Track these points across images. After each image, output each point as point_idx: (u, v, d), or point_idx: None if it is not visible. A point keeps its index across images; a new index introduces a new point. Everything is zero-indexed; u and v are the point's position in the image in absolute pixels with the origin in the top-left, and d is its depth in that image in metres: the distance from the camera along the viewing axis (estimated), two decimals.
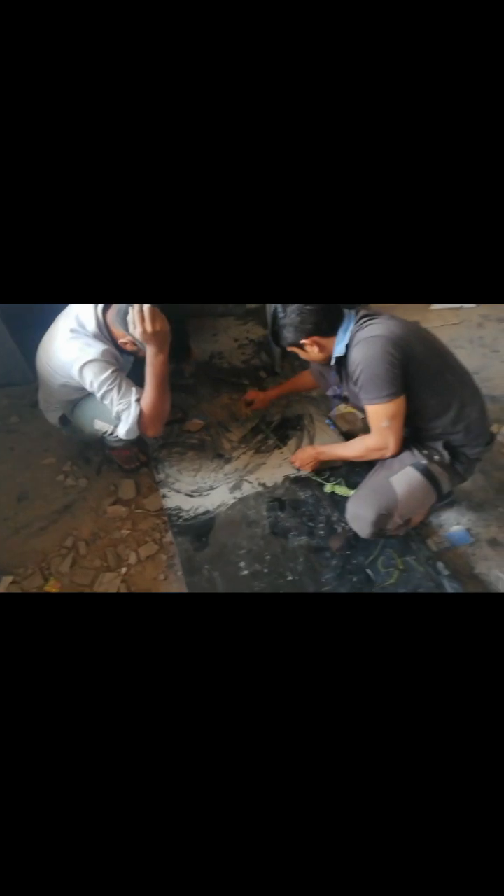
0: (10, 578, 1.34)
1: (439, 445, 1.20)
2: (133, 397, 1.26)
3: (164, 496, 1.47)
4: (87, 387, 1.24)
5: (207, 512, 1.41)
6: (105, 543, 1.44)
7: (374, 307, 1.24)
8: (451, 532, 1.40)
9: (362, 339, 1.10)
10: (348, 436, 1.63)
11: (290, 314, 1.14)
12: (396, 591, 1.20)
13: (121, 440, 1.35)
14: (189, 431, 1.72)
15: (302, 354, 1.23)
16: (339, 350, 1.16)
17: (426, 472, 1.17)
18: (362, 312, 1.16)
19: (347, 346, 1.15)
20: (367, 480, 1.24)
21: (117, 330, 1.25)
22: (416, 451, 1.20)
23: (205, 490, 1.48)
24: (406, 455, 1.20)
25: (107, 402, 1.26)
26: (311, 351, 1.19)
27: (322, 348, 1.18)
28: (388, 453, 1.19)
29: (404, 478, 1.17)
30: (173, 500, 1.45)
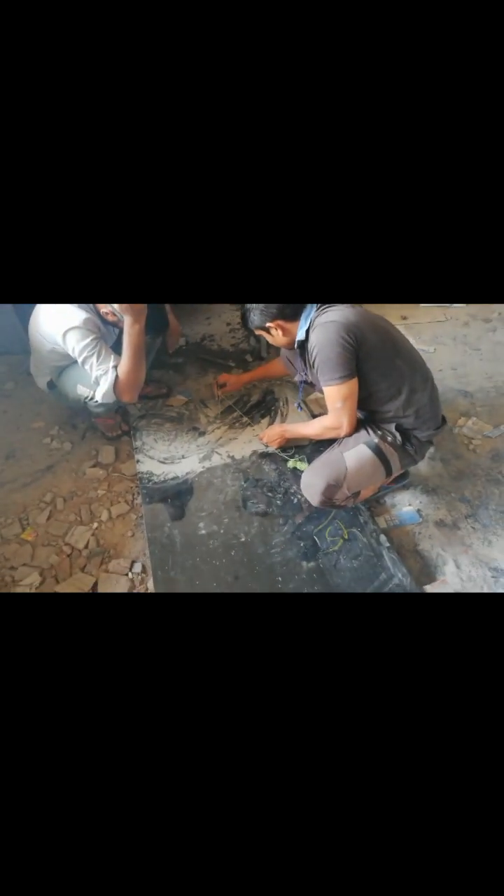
0: None
1: (392, 427, 1.28)
2: (111, 364, 1.36)
3: (137, 461, 1.58)
4: (70, 352, 1.35)
5: (176, 478, 1.51)
6: (81, 501, 1.55)
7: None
8: (401, 511, 1.47)
9: (319, 324, 1.18)
10: None
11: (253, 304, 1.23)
12: (341, 560, 1.29)
13: (101, 406, 1.46)
14: (171, 406, 1.82)
15: (268, 338, 1.31)
16: (300, 334, 1.24)
17: (377, 450, 1.25)
18: (321, 305, 1.23)
19: (307, 331, 1.22)
20: (323, 455, 1.32)
21: (104, 306, 1.34)
22: (370, 431, 1.28)
23: (177, 458, 1.58)
24: (361, 433, 1.28)
25: (87, 367, 1.36)
26: (276, 334, 1.27)
27: (286, 332, 1.26)
28: (343, 432, 1.27)
29: (356, 453, 1.25)
30: (146, 465, 1.56)
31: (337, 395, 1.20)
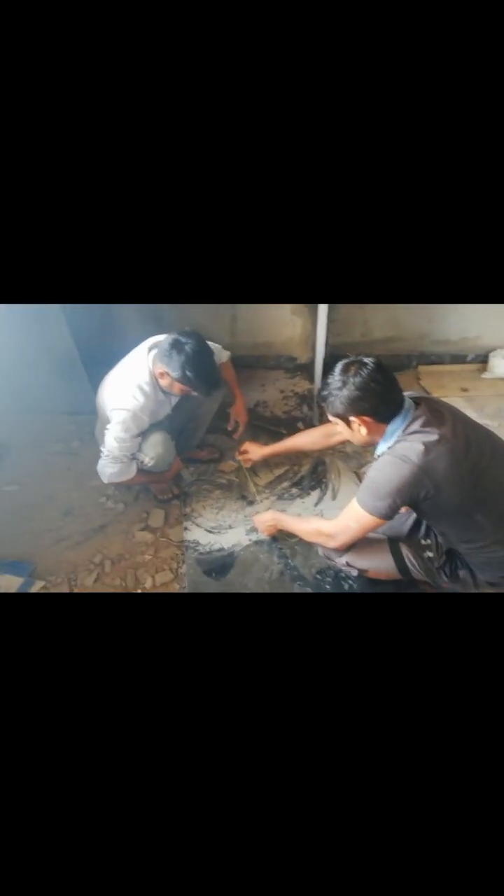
0: (41, 583, 1.50)
1: (441, 547, 1.15)
2: (129, 454, 1.46)
3: (185, 528, 1.58)
4: (107, 424, 1.44)
5: (222, 549, 1.48)
6: (128, 565, 1.56)
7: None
8: None
9: (399, 452, 0.99)
10: None
11: (349, 384, 1.00)
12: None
13: (150, 467, 1.52)
14: (222, 471, 1.84)
15: (343, 429, 1.10)
16: (381, 448, 1.07)
17: (397, 555, 1.14)
18: (419, 416, 1.02)
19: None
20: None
21: (159, 367, 1.38)
22: (412, 531, 1.17)
23: (224, 528, 1.56)
24: (399, 522, 1.17)
25: (107, 444, 1.44)
26: (356, 430, 1.06)
27: (371, 431, 1.05)
28: (331, 544, 1.16)
29: (374, 545, 1.16)
30: (193, 533, 1.55)
31: (357, 518, 1.06)
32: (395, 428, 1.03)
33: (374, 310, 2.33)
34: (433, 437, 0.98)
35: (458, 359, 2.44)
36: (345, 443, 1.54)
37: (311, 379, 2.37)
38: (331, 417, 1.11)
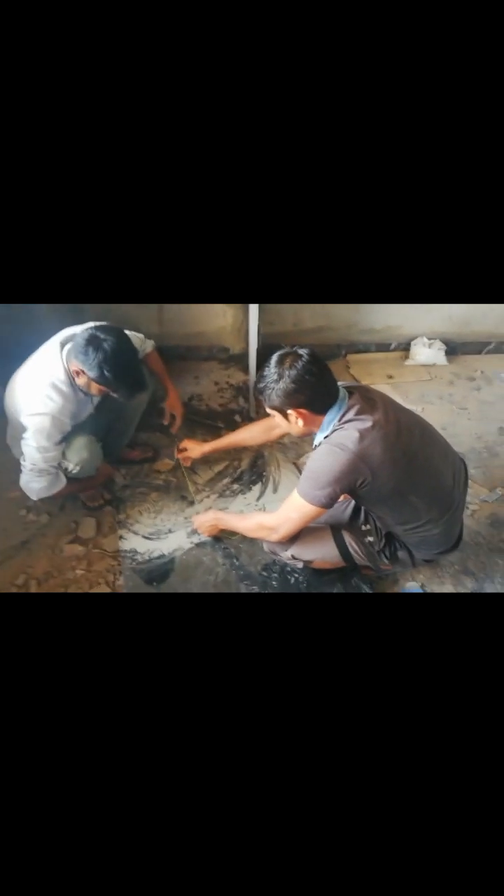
0: None
1: (380, 531, 1.18)
2: (55, 465, 1.33)
3: (120, 537, 1.46)
4: (25, 434, 1.28)
5: (163, 555, 1.40)
6: (57, 583, 1.41)
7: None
8: (405, 588, 1.38)
9: (333, 442, 1.00)
10: None
11: (285, 377, 0.98)
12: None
13: (76, 475, 1.38)
14: (158, 471, 1.73)
15: (281, 421, 1.08)
16: (318, 438, 1.07)
17: (337, 535, 1.17)
18: (353, 404, 1.02)
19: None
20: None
21: (74, 364, 1.22)
22: (353, 518, 1.20)
23: (163, 533, 1.48)
24: (339, 510, 1.19)
25: (28, 455, 1.29)
26: (293, 422, 1.05)
27: (308, 423, 1.04)
28: (274, 537, 1.16)
29: (318, 535, 1.17)
30: (130, 542, 1.45)
31: (298, 509, 1.05)
32: (331, 418, 1.03)
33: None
34: (367, 423, 0.99)
35: (383, 347, 2.55)
36: (285, 436, 1.53)
37: (246, 370, 2.33)
38: (268, 410, 1.08)
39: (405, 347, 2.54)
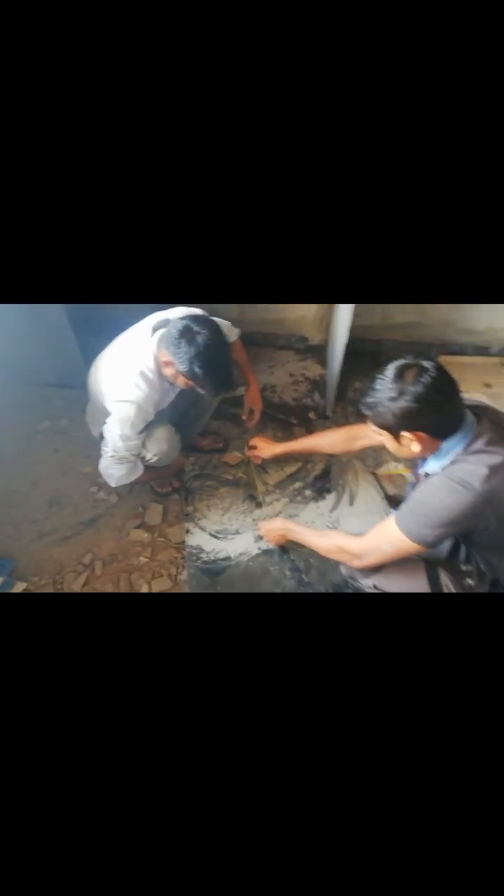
0: (23, 585, 1.35)
1: (485, 576, 1.03)
2: (136, 454, 1.29)
3: (187, 531, 1.43)
4: (109, 420, 1.25)
5: (228, 558, 1.35)
6: (121, 567, 1.41)
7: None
8: None
9: (454, 476, 0.86)
10: (393, 500, 1.51)
11: (406, 395, 0.83)
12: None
13: (153, 465, 1.35)
14: (226, 464, 1.67)
15: (386, 440, 0.94)
16: (432, 466, 0.93)
17: (434, 580, 1.03)
18: (481, 433, 0.88)
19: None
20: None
21: (165, 354, 1.17)
22: (452, 553, 1.06)
23: (230, 533, 1.42)
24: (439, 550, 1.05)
25: (111, 443, 1.26)
26: (405, 445, 0.91)
27: (425, 448, 0.90)
28: (356, 564, 1.03)
29: (408, 567, 1.05)
30: (196, 538, 1.40)
31: (393, 542, 0.93)
32: (453, 445, 0.88)
33: None
34: (498, 458, 0.84)
35: (482, 351, 2.27)
36: (369, 447, 1.38)
37: (324, 363, 2.19)
38: (373, 429, 0.93)
39: None
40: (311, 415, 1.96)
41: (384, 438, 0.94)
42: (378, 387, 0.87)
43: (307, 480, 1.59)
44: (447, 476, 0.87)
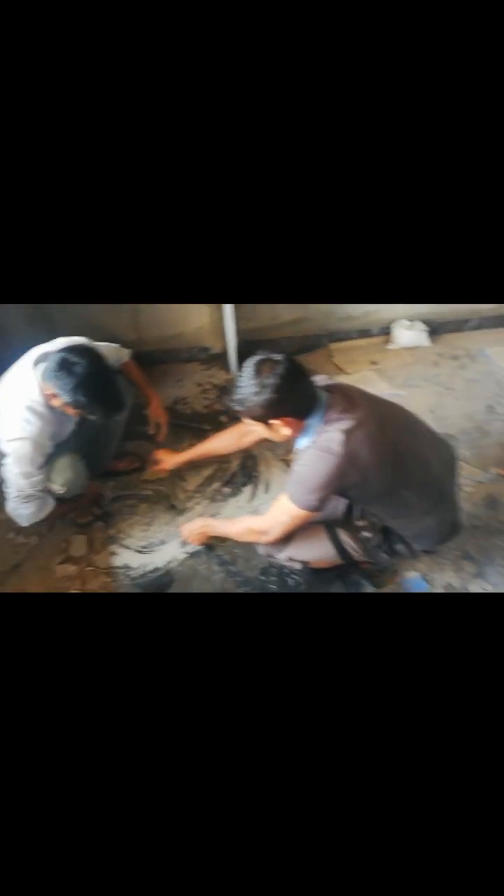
0: None
1: (376, 525, 1.16)
2: (39, 489, 1.28)
3: (112, 553, 1.43)
4: (4, 458, 1.24)
5: (157, 569, 1.37)
6: None
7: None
8: (407, 579, 1.37)
9: (319, 445, 0.97)
10: None
11: (266, 388, 0.92)
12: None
13: (63, 494, 1.35)
14: (146, 481, 1.70)
15: (261, 429, 1.03)
16: (302, 442, 1.03)
17: (331, 532, 1.15)
18: (333, 404, 1.00)
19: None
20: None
21: (47, 387, 1.18)
22: (347, 514, 1.18)
23: (155, 545, 1.44)
24: (332, 507, 1.16)
25: (12, 482, 1.25)
26: (276, 430, 1.00)
27: (294, 429, 1.00)
28: (265, 540, 1.14)
29: (313, 535, 1.15)
30: (122, 558, 1.41)
31: (287, 513, 1.03)
32: (315, 421, 1.00)
33: None
34: (351, 423, 0.97)
35: (365, 333, 2.52)
36: (260, 441, 1.47)
37: (228, 368, 2.29)
38: (247, 421, 1.03)
39: (386, 331, 2.51)
40: (223, 418, 2.05)
41: (259, 429, 1.03)
42: (241, 385, 0.96)
43: (225, 479, 1.67)
44: (313, 447, 0.98)
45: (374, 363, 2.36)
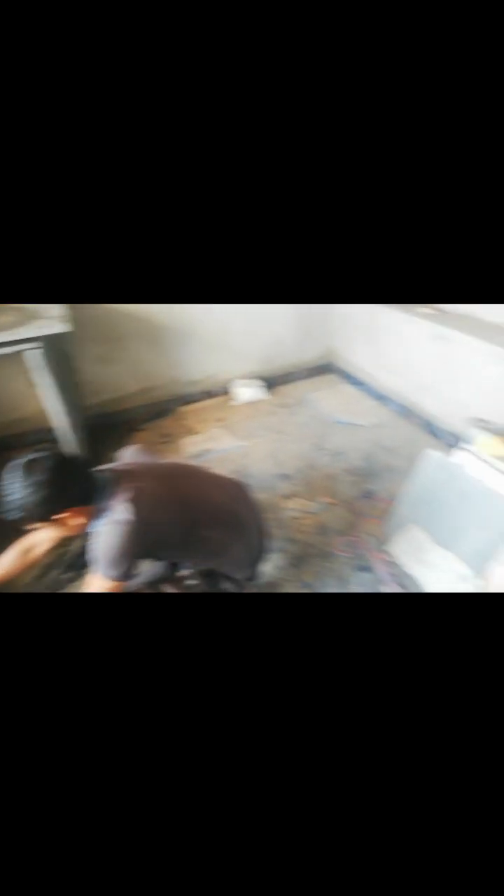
0: None
1: (197, 573, 1.22)
2: None
3: None
4: None
5: None
6: None
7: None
8: None
9: (110, 521, 0.99)
10: None
11: (44, 484, 0.90)
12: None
13: None
14: None
15: (55, 529, 1.01)
16: (97, 525, 1.02)
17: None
18: (113, 480, 1.03)
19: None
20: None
21: None
22: (167, 572, 1.22)
23: None
24: (153, 569, 1.20)
25: None
26: (68, 523, 0.99)
27: (85, 517, 1.00)
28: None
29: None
30: None
31: (102, 587, 1.02)
32: (102, 502, 1.01)
33: (121, 367, 2.41)
34: (133, 491, 1.01)
35: (208, 394, 2.74)
36: (51, 550, 1.27)
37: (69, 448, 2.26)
38: (31, 528, 0.98)
39: (227, 391, 2.76)
40: None
41: (49, 531, 1.01)
42: (12, 491, 0.90)
43: (68, 562, 1.58)
44: (106, 524, 1.00)
45: (219, 420, 2.55)
